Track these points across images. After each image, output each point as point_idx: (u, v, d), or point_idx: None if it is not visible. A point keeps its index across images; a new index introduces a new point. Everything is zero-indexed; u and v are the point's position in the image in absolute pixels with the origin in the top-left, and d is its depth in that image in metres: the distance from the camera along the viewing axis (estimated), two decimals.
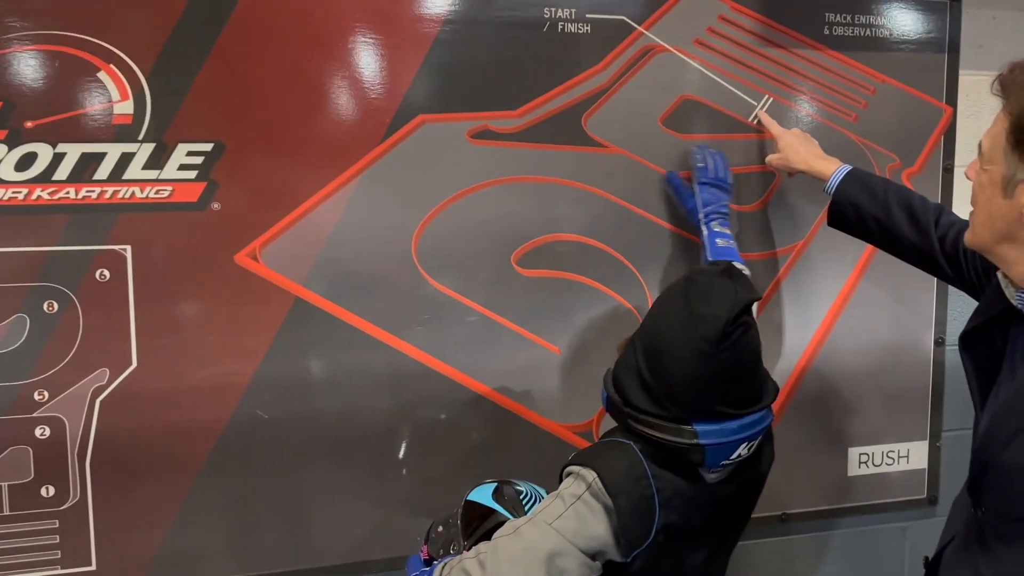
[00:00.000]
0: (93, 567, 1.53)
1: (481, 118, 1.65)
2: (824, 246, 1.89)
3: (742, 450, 1.25)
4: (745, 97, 1.81)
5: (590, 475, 1.23)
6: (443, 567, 1.27)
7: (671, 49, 1.75)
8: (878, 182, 1.58)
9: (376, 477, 1.66)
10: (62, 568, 1.52)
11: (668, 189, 1.75)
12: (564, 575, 1.20)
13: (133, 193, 1.49)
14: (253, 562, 1.61)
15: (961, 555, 1.24)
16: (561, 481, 1.30)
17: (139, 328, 1.51)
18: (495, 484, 1.45)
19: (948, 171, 1.96)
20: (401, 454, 1.67)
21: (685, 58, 1.76)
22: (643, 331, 1.31)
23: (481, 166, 1.66)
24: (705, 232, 1.65)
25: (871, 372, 1.96)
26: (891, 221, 1.53)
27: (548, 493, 1.36)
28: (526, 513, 1.35)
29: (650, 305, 1.71)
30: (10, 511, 1.48)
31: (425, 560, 1.41)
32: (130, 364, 1.51)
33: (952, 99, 1.94)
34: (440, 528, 1.43)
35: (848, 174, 1.60)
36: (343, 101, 1.58)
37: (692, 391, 1.21)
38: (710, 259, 1.62)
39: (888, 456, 1.99)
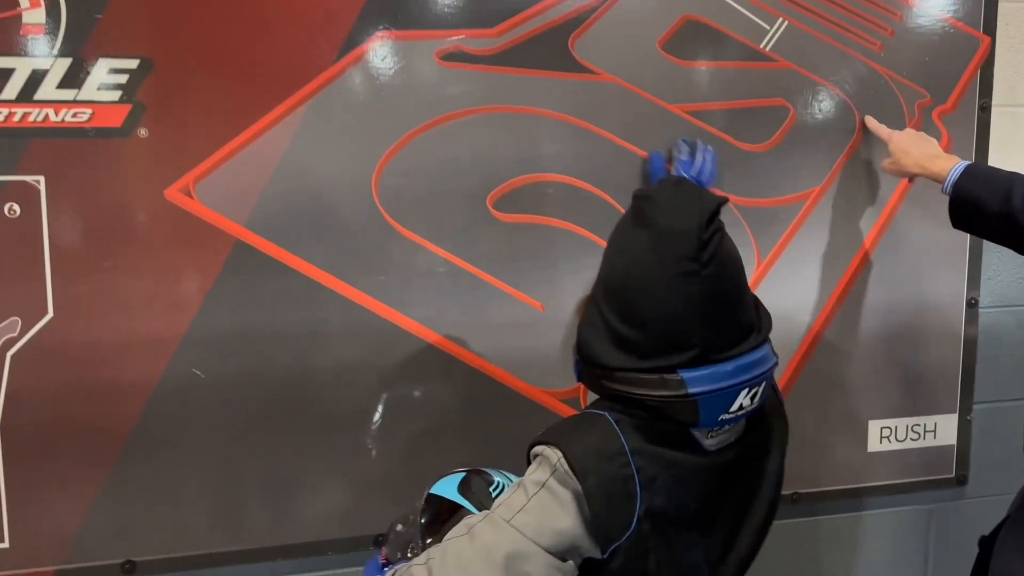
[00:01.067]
0: (6, 544, 1.35)
1: (453, 36, 1.45)
2: (844, 193, 1.68)
3: (743, 400, 1.02)
4: (756, 19, 1.59)
5: (554, 454, 1.02)
6: (393, 572, 1.07)
7: None
8: (1002, 176, 1.38)
9: (329, 448, 1.47)
10: None
11: (645, 170, 1.53)
12: None
13: (47, 116, 1.29)
14: (186, 541, 1.42)
15: (1016, 535, 1.04)
16: (528, 464, 1.09)
17: (55, 272, 1.32)
18: (463, 474, 1.23)
19: (984, 110, 1.74)
20: (375, 420, 1.48)
21: None
22: (602, 279, 1.08)
23: (452, 93, 1.46)
24: None
25: (895, 336, 1.75)
26: (1018, 217, 1.32)
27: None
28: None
29: None
30: None
31: (383, 564, 1.20)
32: (45, 313, 1.32)
33: (991, 28, 1.72)
34: (399, 527, 1.22)
35: (966, 170, 1.42)
36: (291, 12, 1.37)
37: (678, 329, 0.99)
38: None
39: (913, 431, 1.78)
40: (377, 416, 1.49)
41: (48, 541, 1.36)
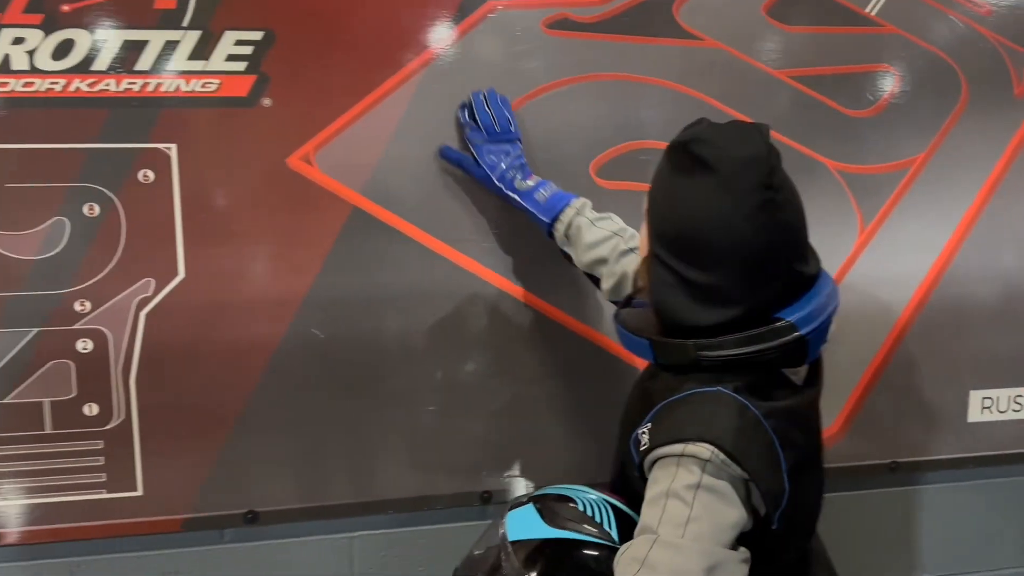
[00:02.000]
0: (139, 492, 1.43)
1: (559, 4, 1.47)
2: (950, 158, 1.66)
3: (833, 327, 1.03)
4: None
5: (703, 449, 0.95)
6: None
7: None
8: None
9: (438, 405, 1.52)
10: (108, 492, 1.42)
11: (448, 165, 1.46)
12: None
13: (178, 86, 1.36)
14: (308, 492, 1.49)
15: None
16: (643, 475, 1.03)
17: (186, 236, 1.39)
18: (528, 507, 1.11)
19: None
20: (480, 380, 1.53)
21: None
22: (663, 236, 1.03)
23: (558, 61, 1.48)
24: (515, 196, 1.39)
25: (998, 306, 1.73)
26: None
27: (599, 498, 1.11)
28: (602, 526, 1.08)
29: None
30: (52, 429, 1.39)
31: None
32: (177, 274, 1.39)
33: None
34: None
35: None
36: None
37: (763, 261, 0.97)
38: (546, 219, 1.38)
39: (1016, 401, 1.76)
40: (482, 376, 1.53)
41: (178, 491, 1.45)
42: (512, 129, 1.42)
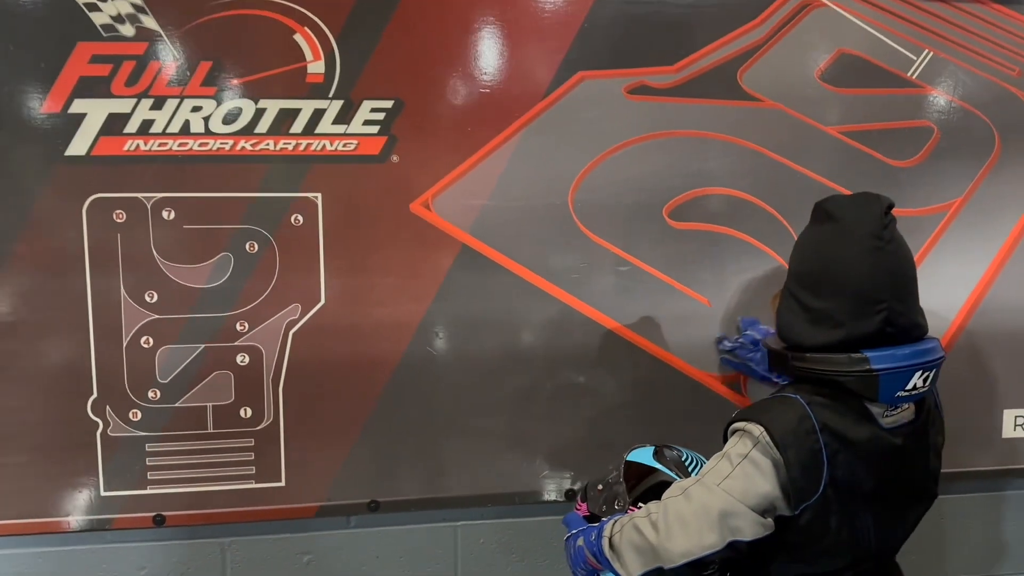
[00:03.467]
0: (282, 483, 1.70)
1: (638, 74, 1.72)
2: (983, 202, 1.86)
3: (917, 381, 1.23)
4: (903, 51, 1.80)
5: (757, 430, 1.23)
6: (613, 523, 1.31)
7: (829, 3, 1.76)
8: None
9: (532, 416, 1.77)
10: (256, 483, 1.70)
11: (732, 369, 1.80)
12: (737, 534, 1.21)
13: (324, 146, 1.64)
14: (422, 485, 1.75)
15: None
16: (726, 440, 1.31)
17: (327, 268, 1.67)
18: (653, 447, 1.47)
19: None
20: (567, 395, 1.77)
21: (843, 12, 1.77)
22: (796, 271, 1.31)
23: (637, 121, 1.73)
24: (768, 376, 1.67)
25: None
26: None
27: (707, 457, 1.37)
28: (691, 475, 1.37)
29: None
30: (214, 428, 1.67)
31: (585, 516, 1.43)
32: (319, 301, 1.67)
33: None
34: (600, 487, 1.44)
35: None
36: (509, 60, 1.68)
37: (868, 292, 1.21)
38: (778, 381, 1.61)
39: None
40: (569, 392, 1.78)
41: (314, 482, 1.72)
42: (769, 330, 1.71)
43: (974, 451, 1.93)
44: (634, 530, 1.26)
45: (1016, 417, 1.93)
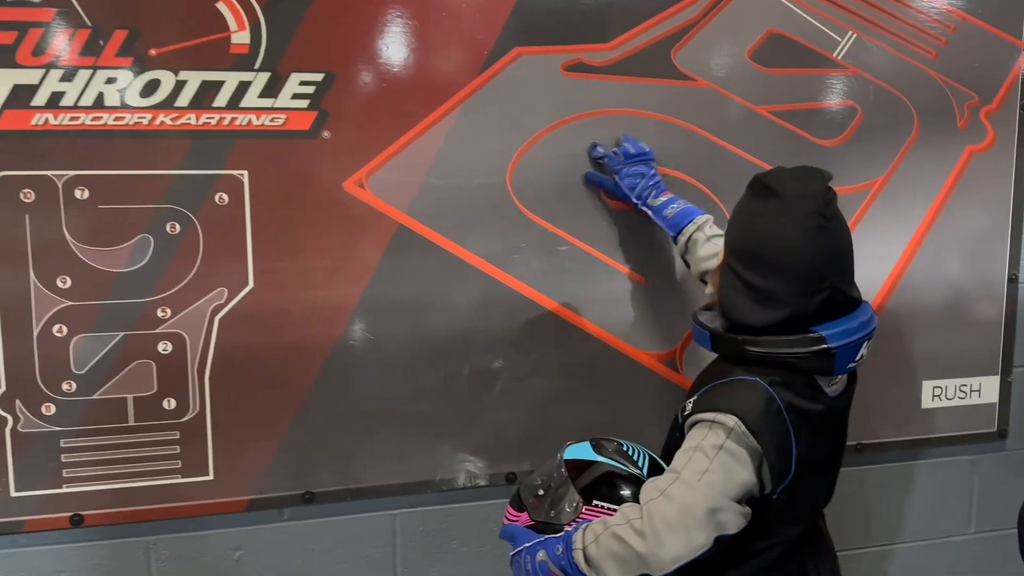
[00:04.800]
0: (210, 477, 1.62)
1: (575, 51, 1.70)
2: (903, 181, 1.92)
3: (864, 351, 1.26)
4: (829, 32, 1.84)
5: (730, 420, 1.21)
6: (583, 533, 1.22)
7: None
8: None
9: (471, 399, 1.74)
10: (182, 477, 1.61)
11: (593, 187, 1.73)
12: (723, 529, 1.18)
13: (250, 120, 1.56)
14: (356, 476, 1.69)
15: None
16: (680, 432, 1.29)
17: (255, 250, 1.59)
18: (589, 441, 1.39)
19: None
20: (507, 377, 1.74)
21: None
22: (735, 248, 1.29)
23: (574, 98, 1.71)
24: (649, 212, 1.65)
25: (946, 308, 2.00)
26: None
27: (639, 447, 1.36)
28: (637, 464, 1.32)
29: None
30: (135, 422, 1.58)
31: (530, 526, 1.32)
32: (247, 284, 1.59)
33: None
34: (540, 492, 1.34)
35: None
36: (446, 33, 1.63)
37: (812, 272, 1.21)
38: (672, 233, 1.63)
39: (960, 390, 2.03)
40: (508, 375, 1.75)
41: (244, 475, 1.64)
42: (647, 150, 1.66)
43: (897, 423, 2.00)
44: (614, 539, 1.18)
45: (934, 388, 2.01)
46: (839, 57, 1.85)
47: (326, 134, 1.60)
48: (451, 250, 1.69)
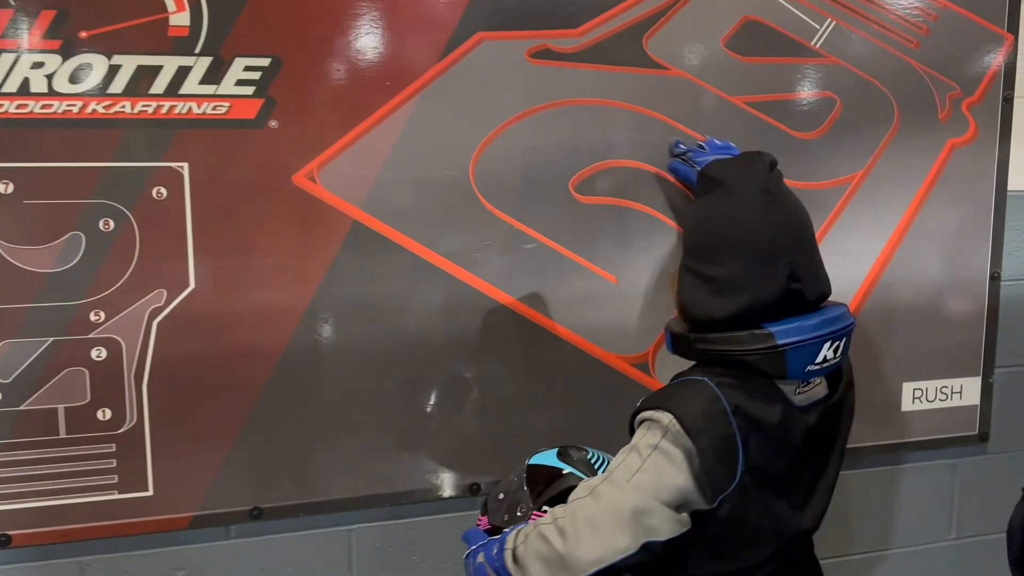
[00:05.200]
0: (150, 492, 1.51)
1: (541, 37, 1.61)
2: (884, 175, 1.85)
3: (827, 352, 1.17)
4: (807, 19, 1.76)
5: (666, 418, 1.15)
6: (516, 534, 1.19)
7: None
8: None
9: (432, 406, 1.63)
10: (119, 493, 1.49)
11: (678, 177, 1.67)
12: (652, 533, 1.12)
13: (190, 108, 1.45)
14: (310, 488, 1.59)
15: None
16: (632, 431, 1.23)
17: (196, 249, 1.48)
18: (556, 448, 1.38)
19: (1008, 101, 1.92)
20: (470, 382, 1.65)
21: None
22: (690, 246, 1.26)
23: (540, 87, 1.62)
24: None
25: (927, 307, 1.93)
26: None
27: (610, 457, 1.30)
28: (597, 471, 1.28)
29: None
30: (67, 434, 1.46)
31: (486, 531, 1.33)
32: (188, 285, 1.48)
33: (1014, 27, 1.90)
34: (501, 496, 1.35)
35: None
36: (403, 17, 1.53)
37: (769, 248, 1.16)
38: None
39: (941, 392, 1.97)
40: (470, 380, 1.65)
41: (187, 490, 1.52)
42: (732, 145, 1.61)
43: (875, 426, 1.92)
44: (539, 538, 1.14)
45: (915, 390, 1.94)
46: (817, 46, 1.77)
47: (273, 123, 1.49)
48: (410, 248, 1.58)
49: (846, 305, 1.26)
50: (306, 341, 1.55)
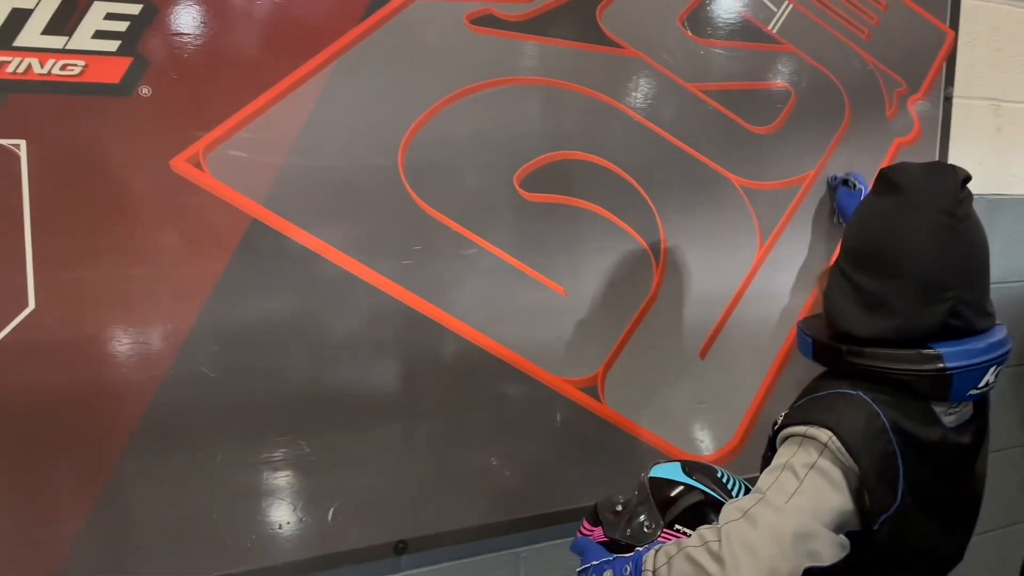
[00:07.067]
0: None
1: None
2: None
3: (989, 377, 1.07)
4: (765, 1, 1.58)
5: (824, 435, 1.03)
6: (655, 554, 1.06)
7: None
8: None
9: (352, 445, 1.33)
10: None
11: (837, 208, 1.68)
12: (815, 559, 0.98)
13: (29, 66, 1.07)
14: (197, 560, 1.24)
15: None
16: (774, 449, 1.11)
17: (37, 256, 1.10)
18: (679, 462, 1.24)
19: (948, 100, 1.83)
20: (399, 413, 1.35)
21: None
22: (851, 248, 1.12)
23: (482, 60, 1.35)
24: None
25: None
26: None
27: (737, 477, 1.22)
28: (730, 492, 1.18)
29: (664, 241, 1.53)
30: None
31: (602, 543, 1.18)
32: (26, 305, 1.10)
33: (955, 22, 1.82)
34: (619, 507, 1.21)
35: None
36: None
37: (934, 276, 1.03)
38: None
39: None
40: (395, 414, 1.36)
41: (30, 567, 1.14)
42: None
43: None
44: (687, 561, 1.02)
45: None
46: (774, 31, 1.60)
47: (145, 91, 1.13)
48: (323, 254, 1.27)
49: (1005, 327, 1.13)
50: (188, 374, 1.20)
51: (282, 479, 1.28)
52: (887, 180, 1.10)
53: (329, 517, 1.33)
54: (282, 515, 1.29)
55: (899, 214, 1.06)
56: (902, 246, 1.05)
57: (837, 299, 1.10)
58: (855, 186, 1.65)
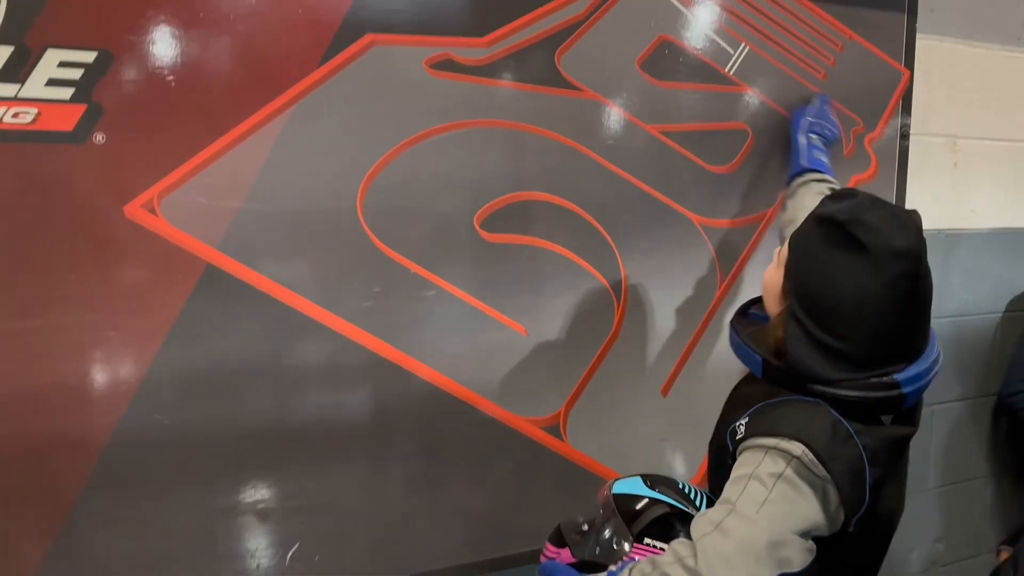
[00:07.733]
0: None
1: (443, 44, 1.35)
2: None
3: (931, 377, 1.13)
4: (722, 43, 1.61)
5: (797, 448, 1.05)
6: (629, 572, 1.07)
7: None
8: None
9: (312, 492, 1.31)
10: None
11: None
12: (786, 566, 1.02)
13: None
14: None
15: None
16: (733, 458, 1.12)
17: None
18: (638, 476, 1.23)
19: (904, 138, 1.87)
20: (359, 458, 1.34)
21: None
22: (806, 296, 1.10)
23: (442, 104, 1.36)
24: (803, 141, 1.61)
25: None
26: None
27: (696, 488, 1.22)
28: (693, 502, 1.18)
29: (625, 280, 1.53)
30: None
31: (572, 564, 1.18)
32: None
33: (910, 62, 1.85)
34: (585, 527, 1.21)
35: None
36: (273, 6, 1.21)
37: (899, 341, 1.08)
38: (805, 164, 1.58)
39: None
40: (356, 459, 1.35)
41: None
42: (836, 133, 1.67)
43: None
44: None
45: None
46: (731, 73, 1.63)
47: (99, 137, 1.13)
48: (281, 298, 1.26)
49: (936, 331, 1.17)
50: (141, 424, 1.18)
51: (240, 524, 1.26)
52: (848, 236, 1.07)
53: (287, 562, 1.31)
54: (241, 561, 1.27)
55: (862, 275, 1.06)
56: (865, 311, 1.06)
57: (798, 348, 1.10)
58: (819, 140, 1.64)
